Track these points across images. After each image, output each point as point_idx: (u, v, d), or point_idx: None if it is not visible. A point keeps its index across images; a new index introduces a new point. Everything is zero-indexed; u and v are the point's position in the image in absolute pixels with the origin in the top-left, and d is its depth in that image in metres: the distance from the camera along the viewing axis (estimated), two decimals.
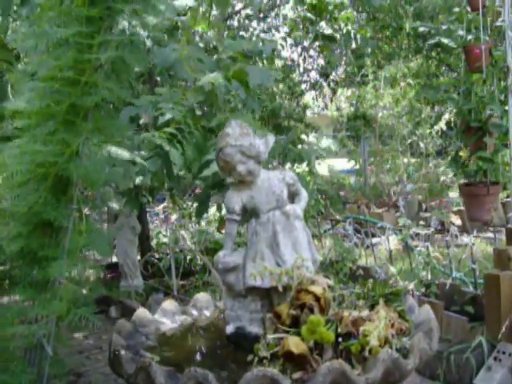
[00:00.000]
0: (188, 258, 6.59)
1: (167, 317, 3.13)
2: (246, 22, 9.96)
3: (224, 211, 6.70)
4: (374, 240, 6.16)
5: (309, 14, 8.95)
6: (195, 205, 7.88)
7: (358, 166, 11.55)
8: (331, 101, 12.04)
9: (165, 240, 7.56)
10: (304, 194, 2.89)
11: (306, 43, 10.47)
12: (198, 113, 3.73)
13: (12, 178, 2.43)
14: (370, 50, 9.93)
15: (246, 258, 2.73)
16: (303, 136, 6.31)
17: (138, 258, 6.42)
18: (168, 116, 3.33)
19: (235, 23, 9.56)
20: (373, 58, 11.00)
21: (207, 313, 3.23)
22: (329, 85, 11.76)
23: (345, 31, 8.90)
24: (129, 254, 6.09)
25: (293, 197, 2.88)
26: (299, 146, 4.86)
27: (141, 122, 4.12)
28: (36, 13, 3.19)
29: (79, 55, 2.54)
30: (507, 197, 8.48)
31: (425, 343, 2.35)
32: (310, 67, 11.35)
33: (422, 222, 7.17)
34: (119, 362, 2.45)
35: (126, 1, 2.58)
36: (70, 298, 2.47)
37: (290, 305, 2.54)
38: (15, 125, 3.25)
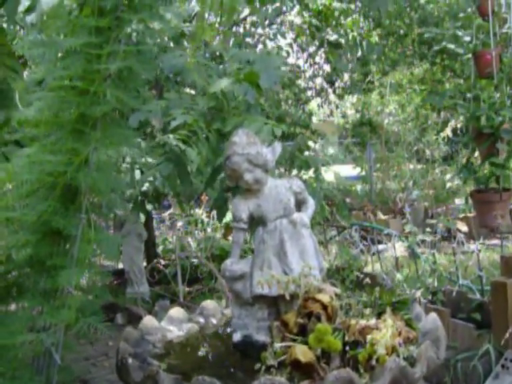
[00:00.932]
0: (194, 264, 6.59)
1: (174, 324, 3.13)
2: (252, 29, 9.97)
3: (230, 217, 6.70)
4: (380, 247, 6.15)
5: (314, 21, 8.97)
6: (201, 211, 7.93)
7: (363, 173, 11.54)
8: (337, 107, 12.05)
9: (171, 247, 7.56)
10: (311, 202, 2.90)
11: (311, 49, 10.48)
12: (209, 118, 3.75)
13: (21, 187, 2.45)
14: (375, 56, 9.94)
15: (253, 267, 2.74)
16: (310, 143, 6.31)
17: (144, 264, 6.42)
18: (180, 120, 3.35)
19: (241, 30, 9.57)
20: (378, 65, 11.01)
21: (214, 320, 3.23)
22: (334, 91, 11.76)
23: (350, 37, 8.91)
24: (135, 261, 6.10)
25: (300, 205, 2.89)
26: (306, 153, 4.87)
27: (149, 127, 4.14)
28: (43, 21, 3.21)
29: (88, 65, 2.56)
30: None
31: (432, 352, 2.35)
32: (315, 73, 11.35)
33: (428, 229, 7.15)
34: (127, 370, 2.46)
35: (135, 10, 2.60)
36: (79, 307, 2.48)
37: (298, 313, 2.55)
38: (24, 132, 3.29)
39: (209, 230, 7.63)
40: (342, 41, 8.83)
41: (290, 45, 10.53)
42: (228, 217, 7.31)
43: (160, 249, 7.51)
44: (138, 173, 4.15)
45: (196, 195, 8.06)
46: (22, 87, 3.61)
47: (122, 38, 2.70)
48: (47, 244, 2.58)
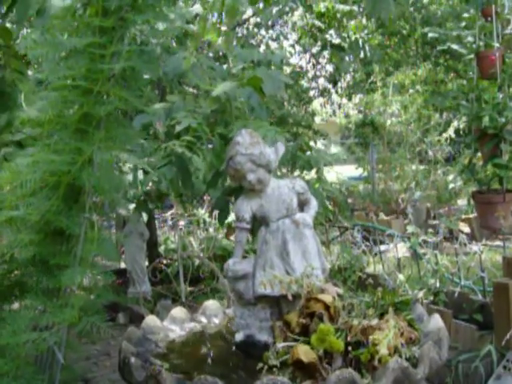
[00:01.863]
0: (196, 264, 6.60)
1: (176, 324, 3.15)
2: (255, 29, 9.97)
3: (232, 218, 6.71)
4: (383, 247, 6.15)
5: (317, 22, 8.97)
6: (204, 211, 7.94)
7: (366, 173, 11.54)
8: (339, 107, 12.04)
9: (173, 246, 7.57)
10: (314, 202, 2.91)
11: (314, 50, 10.48)
12: (212, 120, 3.75)
13: (25, 187, 2.46)
14: (377, 57, 9.93)
15: (256, 267, 2.74)
16: (312, 143, 6.31)
17: (146, 264, 6.43)
18: (185, 124, 3.35)
19: (244, 31, 9.58)
20: (381, 65, 11.00)
21: (216, 320, 3.24)
22: (337, 92, 11.75)
23: (353, 39, 8.90)
24: (137, 261, 6.11)
25: (302, 205, 2.89)
26: (308, 153, 4.87)
27: (152, 129, 4.15)
28: (49, 23, 3.22)
29: (92, 65, 2.56)
30: None
31: (434, 352, 2.36)
32: (318, 74, 11.35)
33: (430, 230, 7.15)
34: (129, 369, 2.47)
35: (140, 11, 2.60)
36: (82, 306, 2.48)
37: (300, 313, 2.55)
38: (26, 133, 3.30)
39: (211, 229, 7.64)
40: (345, 45, 8.82)
41: (293, 46, 10.53)
42: (230, 217, 7.35)
43: (162, 248, 7.52)
44: (140, 173, 4.15)
45: (198, 196, 8.07)
46: (27, 89, 3.62)
47: (126, 38, 2.71)
48: (50, 243, 2.59)
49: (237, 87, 3.48)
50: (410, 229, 6.68)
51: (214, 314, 3.27)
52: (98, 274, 2.78)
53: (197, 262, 6.59)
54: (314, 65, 11.03)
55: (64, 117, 2.66)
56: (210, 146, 3.58)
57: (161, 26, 3.54)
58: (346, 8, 8.68)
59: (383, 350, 2.27)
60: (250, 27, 9.73)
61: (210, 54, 4.85)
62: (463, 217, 8.69)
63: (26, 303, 2.60)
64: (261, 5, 5.53)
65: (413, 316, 2.68)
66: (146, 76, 2.95)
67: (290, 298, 2.60)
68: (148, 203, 5.06)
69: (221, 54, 5.34)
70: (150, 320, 3.07)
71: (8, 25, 4.24)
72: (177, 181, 3.42)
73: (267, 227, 2.78)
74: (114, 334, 4.45)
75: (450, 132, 9.84)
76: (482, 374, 3.65)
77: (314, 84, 11.56)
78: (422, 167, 10.81)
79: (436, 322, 2.67)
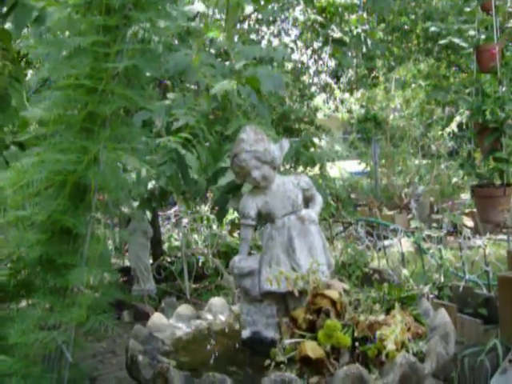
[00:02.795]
0: (200, 261, 6.61)
1: (182, 321, 3.15)
2: (257, 25, 9.97)
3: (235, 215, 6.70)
4: (386, 242, 6.15)
5: (319, 17, 8.95)
6: (207, 208, 7.94)
7: (369, 169, 11.53)
8: (342, 103, 12.03)
9: (177, 244, 7.58)
10: (319, 198, 2.91)
11: (316, 45, 10.46)
12: (211, 117, 3.76)
13: (31, 186, 2.46)
14: (380, 52, 9.91)
15: (262, 263, 2.75)
16: (315, 139, 6.31)
17: (151, 261, 6.44)
18: (183, 121, 3.36)
19: (245, 27, 9.57)
20: (383, 60, 10.98)
21: (222, 317, 3.24)
22: (339, 87, 11.73)
23: (355, 33, 8.87)
24: (141, 258, 6.12)
25: (307, 202, 2.89)
26: (311, 149, 4.87)
27: (154, 128, 4.16)
28: (51, 23, 3.22)
29: (96, 64, 2.57)
30: None
31: (441, 347, 2.36)
32: (320, 69, 11.34)
33: (434, 224, 7.15)
34: (137, 367, 2.47)
35: (143, 9, 2.60)
36: (89, 305, 2.49)
37: (306, 309, 2.55)
38: (28, 134, 3.30)
39: (214, 226, 7.65)
40: (347, 39, 8.80)
41: (295, 41, 10.51)
42: (233, 214, 7.35)
43: (166, 246, 7.53)
44: (144, 171, 4.16)
45: (201, 193, 8.06)
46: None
47: (129, 37, 2.71)
48: (57, 243, 2.60)
49: (236, 85, 3.48)
50: (414, 223, 6.68)
51: (219, 310, 3.27)
52: (104, 271, 2.78)
53: (201, 259, 6.60)
54: (315, 60, 11.01)
55: (69, 116, 2.67)
56: (207, 143, 3.59)
57: (162, 23, 3.54)
58: (348, 0, 8.67)
59: (390, 346, 2.27)
60: (252, 23, 9.72)
61: (212, 51, 4.84)
62: (466, 211, 8.70)
63: (34, 302, 2.61)
64: (261, 2, 5.51)
65: (419, 311, 2.68)
66: (148, 74, 2.95)
67: (296, 294, 2.61)
68: (152, 201, 5.06)
69: (222, 50, 5.33)
70: (157, 318, 3.07)
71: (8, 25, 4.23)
72: (176, 178, 3.43)
73: (273, 224, 2.78)
74: (118, 332, 4.48)
75: (453, 126, 9.83)
76: (488, 368, 3.66)
77: (316, 80, 11.55)
78: (424, 162, 10.81)
79: (442, 316, 2.67)
